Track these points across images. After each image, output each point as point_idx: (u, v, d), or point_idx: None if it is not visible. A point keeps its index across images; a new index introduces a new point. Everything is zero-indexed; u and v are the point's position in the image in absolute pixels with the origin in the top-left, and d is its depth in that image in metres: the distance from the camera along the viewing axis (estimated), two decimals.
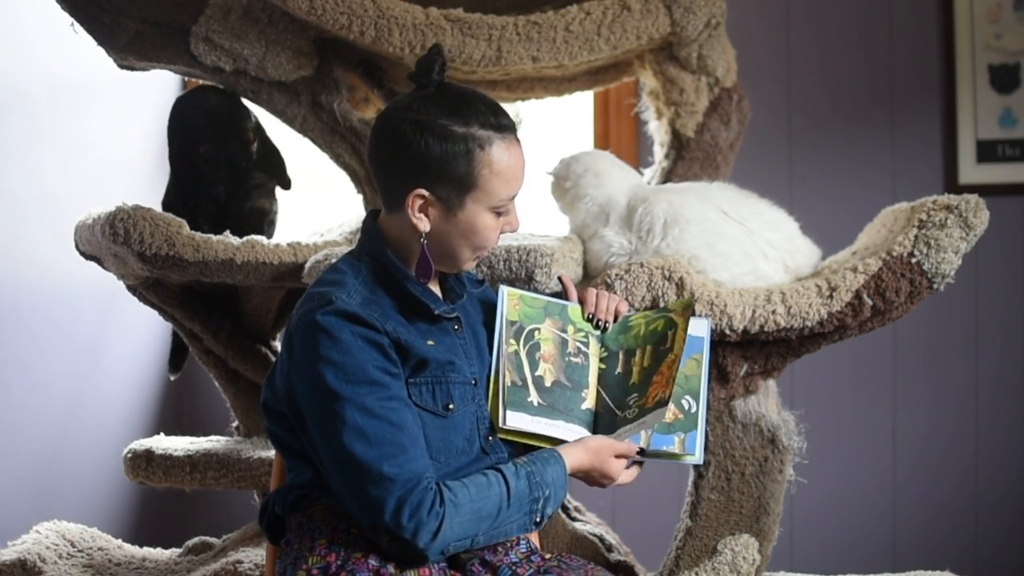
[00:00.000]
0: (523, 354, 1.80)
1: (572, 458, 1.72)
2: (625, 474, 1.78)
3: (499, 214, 1.72)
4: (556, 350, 1.83)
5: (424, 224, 1.70)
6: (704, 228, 2.17)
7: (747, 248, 2.18)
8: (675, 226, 2.17)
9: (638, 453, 1.81)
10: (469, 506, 1.61)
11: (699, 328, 1.90)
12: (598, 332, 1.87)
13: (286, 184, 2.76)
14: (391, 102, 1.75)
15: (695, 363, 1.86)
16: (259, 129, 2.72)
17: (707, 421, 1.87)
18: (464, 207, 1.70)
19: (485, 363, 1.80)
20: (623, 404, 1.81)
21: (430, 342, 1.71)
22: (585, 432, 1.79)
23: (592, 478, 1.76)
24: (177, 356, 2.83)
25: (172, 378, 2.91)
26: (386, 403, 1.62)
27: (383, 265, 1.73)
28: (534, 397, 1.78)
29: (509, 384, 1.77)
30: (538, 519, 1.68)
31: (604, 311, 1.87)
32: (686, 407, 1.83)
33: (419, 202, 1.69)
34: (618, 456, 1.76)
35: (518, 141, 1.73)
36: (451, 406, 1.71)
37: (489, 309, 1.86)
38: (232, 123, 2.64)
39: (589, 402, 1.82)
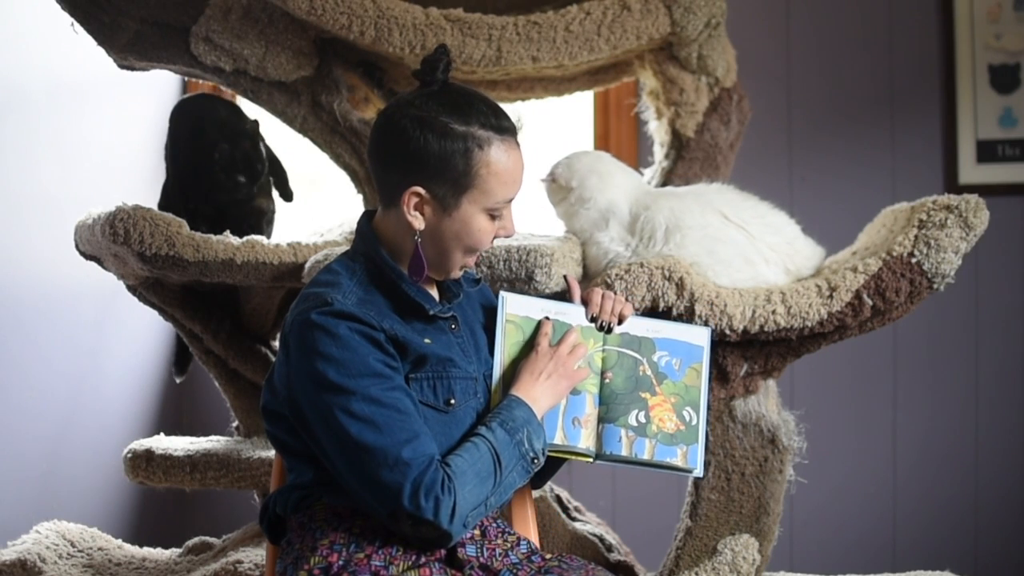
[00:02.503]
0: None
1: (524, 388, 1.75)
2: (582, 371, 1.81)
3: (494, 217, 1.72)
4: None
5: (419, 222, 1.70)
6: (705, 234, 2.17)
7: (748, 253, 2.18)
8: (676, 233, 2.16)
9: (642, 464, 1.81)
10: (471, 471, 1.63)
11: (699, 337, 1.89)
12: (601, 334, 1.86)
13: (289, 196, 2.76)
14: (394, 98, 1.75)
15: (695, 373, 1.86)
16: (261, 139, 2.72)
17: (708, 432, 1.86)
18: (460, 207, 1.69)
19: (483, 362, 1.80)
20: (626, 411, 1.81)
21: (427, 340, 1.71)
22: (585, 440, 1.79)
23: (557, 386, 1.77)
24: (182, 359, 2.83)
25: (178, 380, 2.92)
26: (390, 392, 1.63)
27: (377, 265, 1.72)
28: None
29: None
30: (532, 456, 1.70)
31: (608, 313, 1.87)
32: (687, 418, 1.83)
33: (415, 199, 1.69)
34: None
35: (518, 145, 1.73)
36: (452, 401, 1.71)
37: (488, 311, 1.86)
38: (240, 124, 2.65)
39: (589, 407, 1.81)
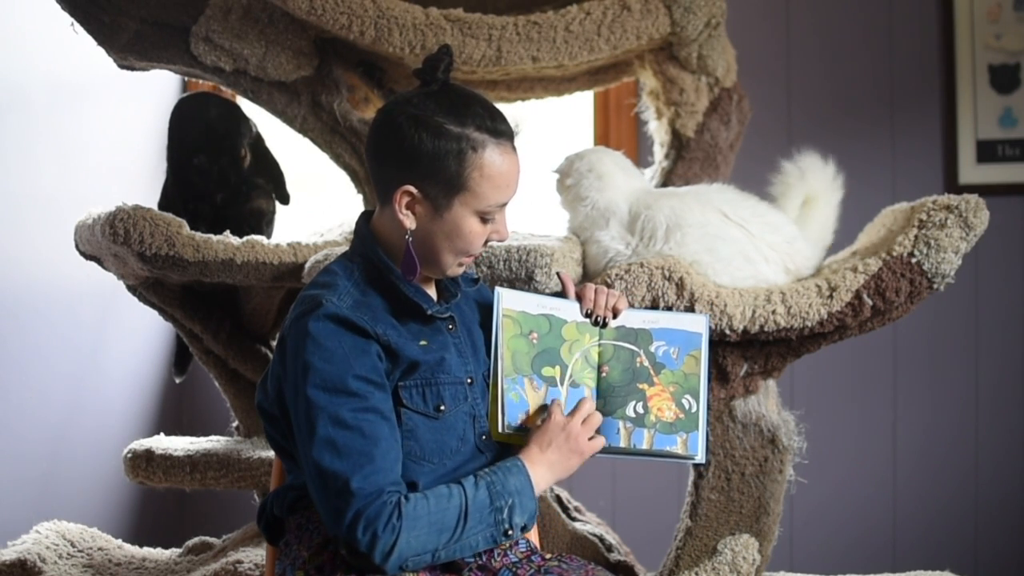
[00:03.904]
0: (528, 360, 1.80)
1: (530, 457, 1.70)
2: (596, 442, 1.75)
3: (486, 220, 1.71)
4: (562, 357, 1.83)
5: (410, 221, 1.69)
6: (705, 232, 2.17)
7: (748, 252, 2.18)
8: (676, 231, 2.17)
9: (642, 455, 1.81)
10: (427, 519, 1.59)
11: (697, 324, 1.89)
12: (596, 328, 1.86)
13: (285, 199, 2.76)
14: (393, 96, 1.75)
15: (693, 360, 1.86)
16: (259, 141, 2.72)
17: (708, 419, 1.86)
18: (451, 208, 1.68)
19: (480, 362, 1.79)
20: (623, 403, 1.81)
21: (422, 342, 1.71)
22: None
23: (567, 461, 1.72)
24: (182, 359, 2.83)
25: (177, 381, 2.91)
26: (360, 414, 1.61)
27: (375, 266, 1.72)
28: (532, 400, 1.77)
29: (505, 389, 1.76)
30: (507, 528, 1.64)
31: (602, 307, 1.86)
32: (686, 406, 1.83)
33: (406, 198, 1.69)
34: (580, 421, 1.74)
35: (514, 149, 1.72)
36: (442, 407, 1.70)
37: (485, 310, 1.85)
38: (228, 137, 2.64)
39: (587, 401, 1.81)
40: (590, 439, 1.74)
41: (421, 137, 1.66)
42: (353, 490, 1.56)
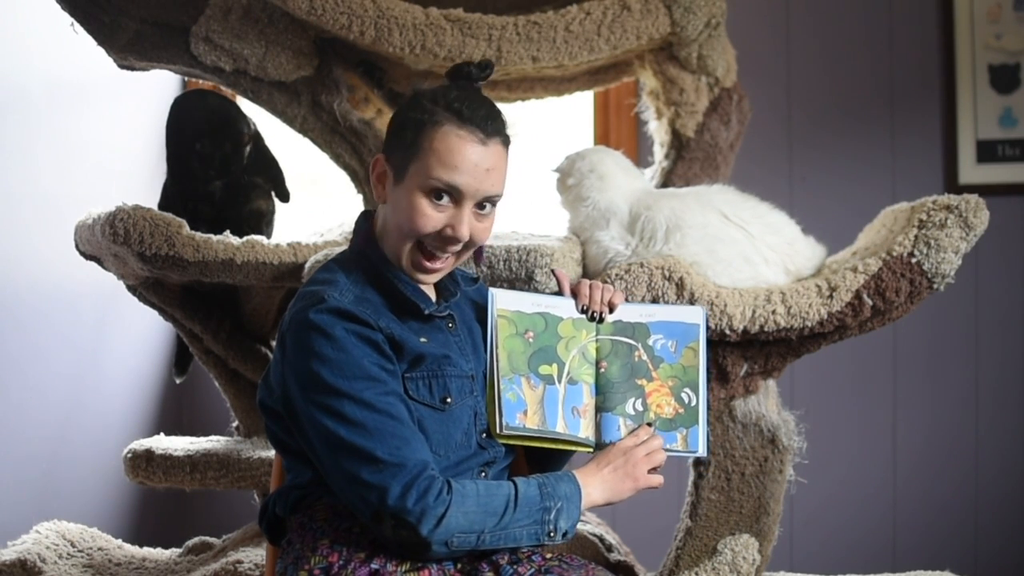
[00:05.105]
0: (525, 358, 1.79)
1: (585, 472, 1.72)
2: (654, 477, 1.76)
3: (437, 202, 1.67)
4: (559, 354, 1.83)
5: (379, 193, 1.73)
6: (705, 233, 2.17)
7: (748, 253, 2.18)
8: (676, 232, 2.16)
9: None
10: (475, 499, 1.61)
11: (694, 316, 1.89)
12: (593, 324, 1.85)
13: (285, 197, 2.76)
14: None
15: (692, 353, 1.85)
16: (257, 136, 2.72)
17: (708, 412, 1.86)
18: (404, 179, 1.68)
19: (481, 360, 1.79)
20: (623, 400, 1.81)
21: (423, 339, 1.71)
22: (584, 430, 1.79)
23: (620, 484, 1.73)
24: (183, 359, 2.83)
25: (178, 381, 2.91)
26: (384, 397, 1.62)
27: (374, 264, 1.72)
28: (530, 398, 1.77)
29: (502, 390, 1.76)
30: (550, 530, 1.65)
31: (598, 302, 1.86)
32: (685, 400, 1.82)
33: (378, 168, 1.73)
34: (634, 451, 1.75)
35: (481, 142, 1.67)
36: (449, 399, 1.70)
37: (483, 309, 1.84)
38: (229, 124, 2.64)
39: (586, 396, 1.81)
40: (650, 472, 1.75)
41: (402, 109, 1.72)
42: (398, 463, 1.58)
